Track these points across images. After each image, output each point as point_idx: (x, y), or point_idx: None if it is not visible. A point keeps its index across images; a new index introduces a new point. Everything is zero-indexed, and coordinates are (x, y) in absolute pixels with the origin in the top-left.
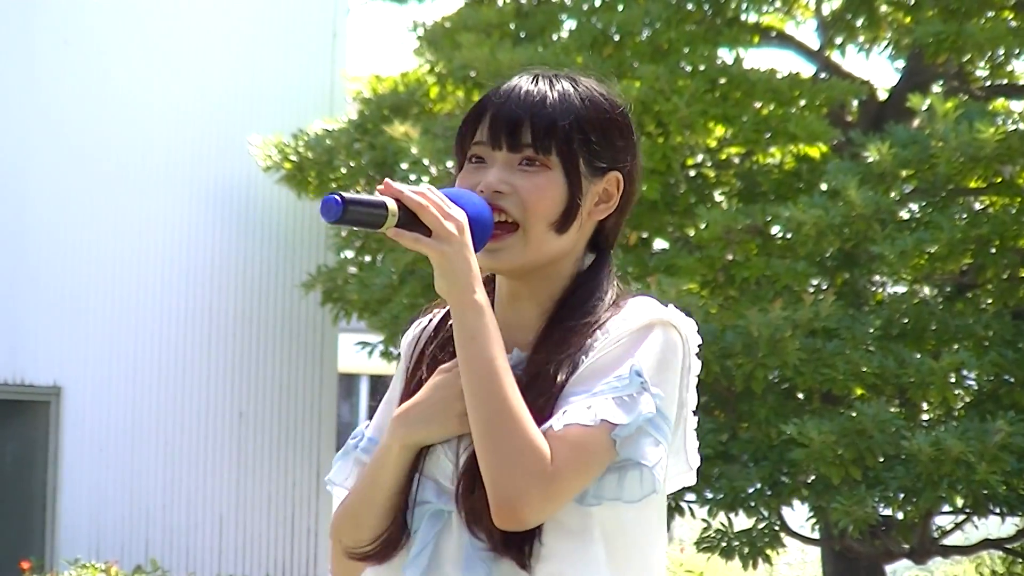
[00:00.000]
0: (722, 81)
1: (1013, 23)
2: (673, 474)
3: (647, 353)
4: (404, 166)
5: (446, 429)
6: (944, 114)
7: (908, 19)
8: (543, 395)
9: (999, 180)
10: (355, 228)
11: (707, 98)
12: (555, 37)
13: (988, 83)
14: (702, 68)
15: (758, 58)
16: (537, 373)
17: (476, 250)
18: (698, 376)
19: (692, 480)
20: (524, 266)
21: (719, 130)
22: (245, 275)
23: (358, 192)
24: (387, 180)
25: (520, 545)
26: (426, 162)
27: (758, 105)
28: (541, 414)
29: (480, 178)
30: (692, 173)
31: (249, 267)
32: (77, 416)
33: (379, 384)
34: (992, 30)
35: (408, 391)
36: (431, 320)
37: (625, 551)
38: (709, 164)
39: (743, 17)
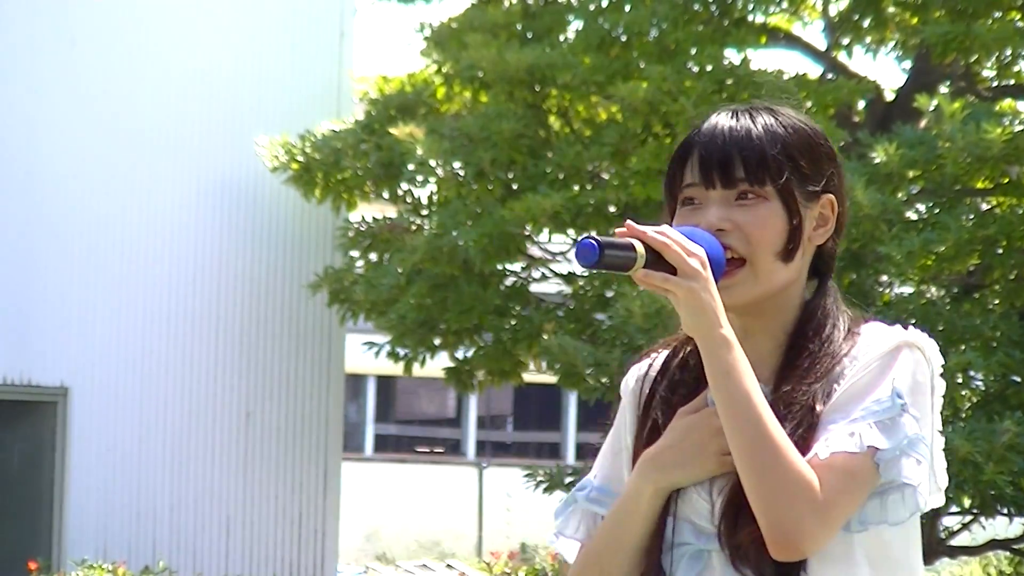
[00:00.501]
0: (729, 82)
1: (1020, 24)
2: (924, 492)
3: (901, 375)
4: (411, 167)
5: (703, 470)
6: (951, 115)
7: (915, 20)
8: (801, 425)
9: (1006, 180)
10: (606, 270)
11: (714, 99)
12: (562, 38)
13: (995, 83)
14: (709, 69)
15: (765, 59)
16: (791, 403)
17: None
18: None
19: (941, 501)
20: (756, 299)
21: None
22: (252, 276)
23: (608, 235)
24: (629, 222)
25: None
26: (432, 163)
27: None
28: (801, 444)
29: (698, 220)
30: None
31: (256, 268)
32: (84, 417)
33: (386, 384)
34: (999, 31)
35: (642, 436)
36: (651, 364)
37: (890, 571)
38: None
39: (750, 18)
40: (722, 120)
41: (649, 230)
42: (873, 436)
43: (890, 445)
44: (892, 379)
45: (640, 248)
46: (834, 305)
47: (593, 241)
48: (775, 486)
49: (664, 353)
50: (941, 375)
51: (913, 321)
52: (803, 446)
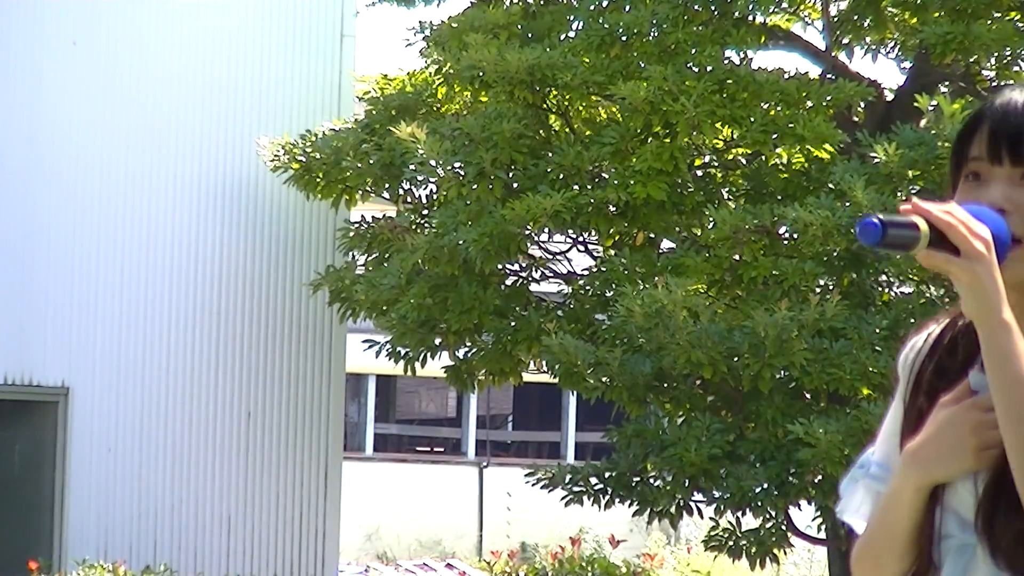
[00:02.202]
0: (729, 82)
1: (1020, 24)
2: None
3: None
4: (411, 167)
5: (963, 467)
6: (951, 115)
7: (915, 20)
8: None
9: None
10: (888, 250)
11: (714, 99)
12: (562, 38)
13: (995, 83)
14: (709, 69)
15: (765, 59)
16: None
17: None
18: (703, 376)
19: None
20: None
21: (726, 131)
22: (253, 275)
23: (892, 215)
24: (915, 200)
25: None
26: (433, 163)
27: (765, 106)
28: None
29: (980, 196)
30: (700, 173)
31: (257, 267)
32: (85, 416)
33: (386, 384)
34: (999, 31)
35: (909, 420)
36: (926, 340)
37: None
38: (716, 165)
39: (750, 18)
40: (1017, 95)
41: (935, 208)
42: None
43: None
44: None
45: (924, 227)
46: None
47: (877, 220)
48: None
49: (939, 327)
50: None
51: (912, 320)
52: None
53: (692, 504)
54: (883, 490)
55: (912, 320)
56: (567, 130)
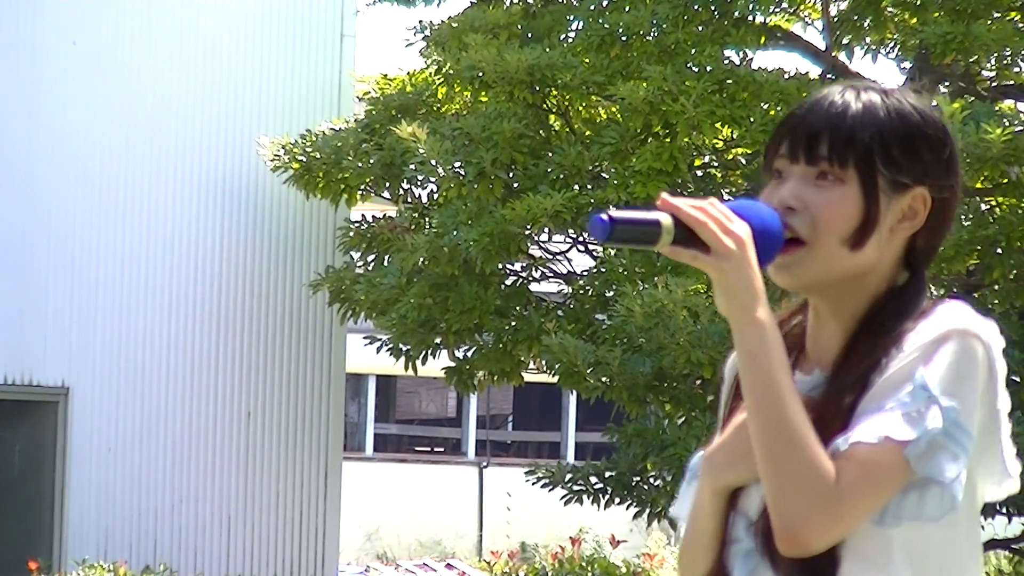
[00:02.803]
0: (729, 82)
1: (1020, 24)
2: (992, 483)
3: (939, 365)
4: (412, 167)
5: (751, 473)
6: (951, 115)
7: (915, 20)
8: (835, 417)
9: (1006, 181)
10: (624, 245)
11: (714, 99)
12: (562, 38)
13: (995, 84)
14: (709, 69)
15: (765, 59)
16: (831, 394)
17: (763, 264)
18: (703, 376)
19: (1015, 487)
20: (815, 282)
21: (726, 131)
22: (253, 275)
23: (632, 211)
24: (665, 195)
25: None
26: (433, 162)
27: (765, 106)
28: (833, 438)
29: (775, 193)
30: (700, 173)
31: (257, 267)
32: (85, 416)
33: (386, 384)
34: (999, 31)
35: (723, 420)
36: None
37: (935, 571)
38: (716, 164)
39: (750, 18)
40: (828, 95)
41: (685, 204)
42: (895, 427)
43: (911, 437)
44: (934, 370)
45: (668, 222)
46: (913, 299)
47: (606, 216)
48: (784, 476)
49: None
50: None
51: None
52: (834, 440)
53: None
54: None
55: None
56: (567, 130)
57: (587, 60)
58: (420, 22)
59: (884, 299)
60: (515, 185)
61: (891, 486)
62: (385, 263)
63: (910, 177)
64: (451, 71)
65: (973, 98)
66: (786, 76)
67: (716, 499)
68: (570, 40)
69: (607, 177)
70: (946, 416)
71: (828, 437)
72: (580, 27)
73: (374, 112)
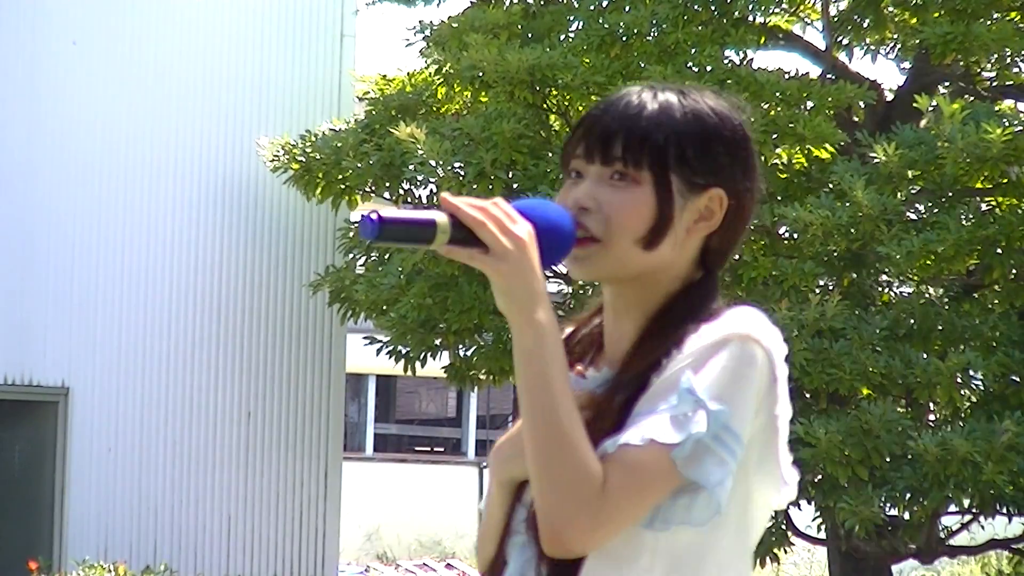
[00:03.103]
0: (729, 82)
1: (1020, 24)
2: (769, 490)
3: (713, 370)
4: (411, 167)
5: None
6: (951, 115)
7: (915, 20)
8: (609, 415)
9: (1006, 181)
10: (396, 244)
11: None
12: (562, 38)
13: (995, 84)
14: (709, 69)
15: (765, 59)
16: (608, 392)
17: (552, 262)
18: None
19: (792, 495)
20: (609, 277)
21: None
22: (253, 275)
23: (405, 205)
24: (445, 195)
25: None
26: (433, 163)
27: (765, 106)
28: (607, 436)
29: (570, 193)
30: None
31: (257, 267)
32: (85, 416)
33: (386, 384)
34: (999, 31)
35: (515, 416)
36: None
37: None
38: None
39: (750, 18)
40: (625, 95)
41: (466, 204)
42: (660, 430)
43: (676, 440)
44: (707, 373)
45: (444, 223)
46: (701, 299)
47: (373, 216)
48: (552, 476)
49: (573, 327)
50: (787, 361)
51: (912, 321)
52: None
53: None
54: None
55: (912, 320)
56: (567, 130)
57: (587, 60)
58: (420, 22)
59: (675, 298)
60: (515, 185)
61: (659, 489)
62: (385, 263)
63: (705, 178)
64: (451, 71)
65: (973, 98)
66: (786, 76)
67: (502, 490)
68: (570, 40)
69: None
70: (714, 420)
71: (602, 436)
72: (580, 27)
73: (374, 112)
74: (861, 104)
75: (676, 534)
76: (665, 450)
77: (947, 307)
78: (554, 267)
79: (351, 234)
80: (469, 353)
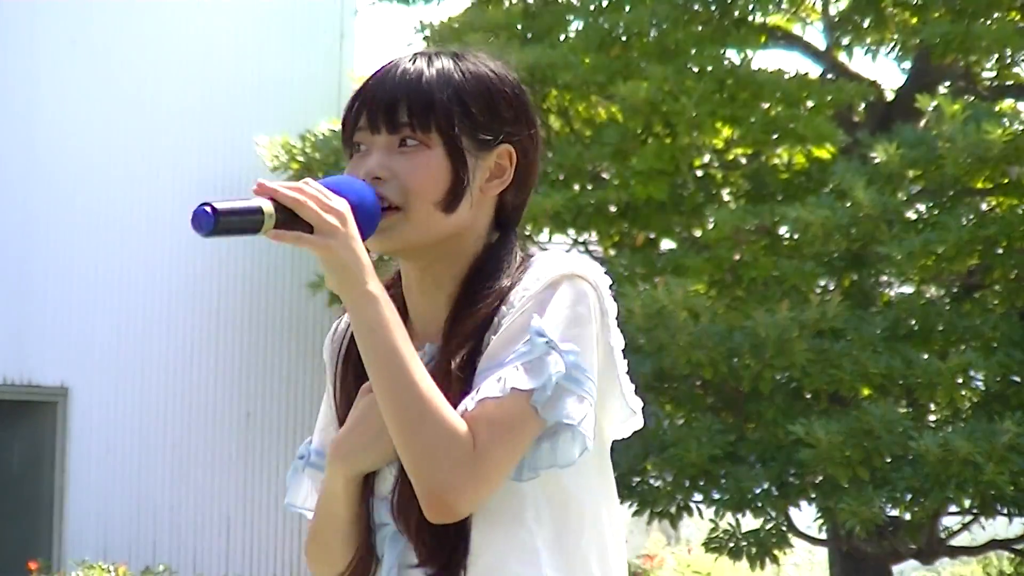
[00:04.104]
0: (729, 82)
1: (1020, 24)
2: (617, 421)
3: (554, 311)
4: None
5: (385, 454)
6: (951, 115)
7: (915, 20)
8: (455, 382)
9: (1006, 181)
10: (232, 235)
11: (715, 99)
12: (562, 38)
13: (995, 84)
14: (710, 69)
15: (765, 59)
16: (445, 361)
17: (366, 236)
18: (703, 376)
19: (639, 423)
20: (414, 246)
21: (727, 131)
22: (252, 276)
23: (235, 199)
24: (260, 180)
25: (447, 553)
26: None
27: (766, 106)
28: (459, 401)
29: (360, 166)
30: (700, 173)
31: (256, 267)
32: (84, 417)
33: None
34: (999, 31)
35: (342, 408)
36: (341, 323)
37: (577, 522)
38: (717, 164)
39: (750, 18)
40: (399, 63)
41: (282, 187)
42: (518, 378)
43: (535, 385)
44: (550, 316)
45: (269, 208)
46: (507, 256)
47: (208, 208)
48: (421, 443)
49: None
50: (613, 296)
51: (913, 321)
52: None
53: (692, 505)
54: (323, 477)
55: (912, 320)
56: (567, 130)
57: (587, 60)
58: (420, 22)
59: (481, 257)
60: None
61: (525, 436)
62: (384, 263)
63: (492, 135)
64: None
65: (973, 98)
66: (786, 76)
67: (351, 486)
68: (570, 40)
69: (607, 177)
70: (567, 361)
71: (454, 401)
72: (580, 27)
73: None
74: (861, 104)
75: (548, 480)
76: (525, 396)
77: (948, 307)
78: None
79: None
80: None
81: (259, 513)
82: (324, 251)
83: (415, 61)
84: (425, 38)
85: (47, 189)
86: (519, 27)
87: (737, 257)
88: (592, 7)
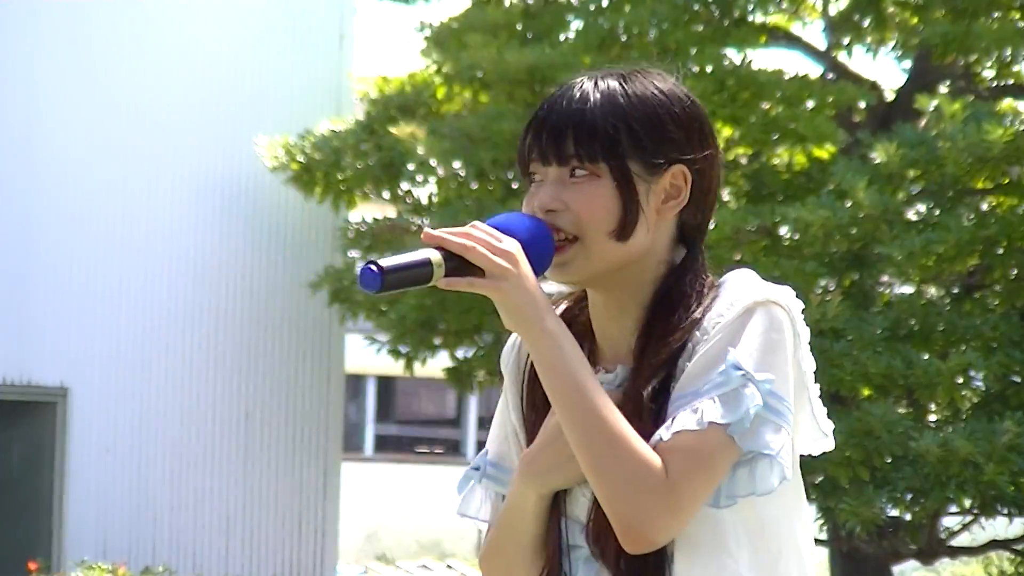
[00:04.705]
0: (730, 82)
1: (1020, 24)
2: (808, 441)
3: (749, 340)
4: (411, 167)
5: (579, 475)
6: (951, 115)
7: (915, 20)
8: (648, 407)
9: (1007, 181)
10: (402, 289)
11: (715, 99)
12: (562, 37)
13: (995, 84)
14: (710, 69)
15: (765, 59)
16: (639, 386)
17: (541, 271)
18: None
19: (831, 445)
20: (593, 276)
21: (727, 131)
22: (252, 275)
23: (400, 255)
24: (427, 230)
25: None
26: (433, 162)
27: (766, 106)
28: (651, 429)
29: (534, 199)
30: None
31: (256, 267)
32: (84, 417)
33: (386, 384)
34: (999, 30)
35: (525, 424)
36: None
37: (776, 544)
38: None
39: (750, 18)
40: (568, 89)
41: (449, 234)
42: (714, 411)
43: (732, 419)
44: (744, 346)
45: (437, 258)
46: (693, 276)
47: (374, 267)
48: (615, 476)
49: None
50: (805, 320)
51: (913, 321)
52: (653, 432)
53: None
54: (501, 491)
55: (913, 321)
56: None
57: (587, 60)
58: (420, 22)
59: (667, 281)
60: (515, 185)
61: (721, 467)
62: None
63: (663, 157)
64: (451, 71)
65: (973, 98)
66: (786, 76)
67: (542, 503)
68: (570, 40)
69: None
70: (762, 390)
71: (645, 428)
72: (580, 27)
73: (374, 112)
74: (861, 104)
75: (744, 506)
76: (722, 428)
77: (948, 307)
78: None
79: (350, 234)
80: (469, 356)
81: (259, 513)
82: (497, 294)
83: (583, 87)
84: (425, 38)
85: (46, 190)
86: (519, 27)
87: (737, 257)
88: (592, 7)
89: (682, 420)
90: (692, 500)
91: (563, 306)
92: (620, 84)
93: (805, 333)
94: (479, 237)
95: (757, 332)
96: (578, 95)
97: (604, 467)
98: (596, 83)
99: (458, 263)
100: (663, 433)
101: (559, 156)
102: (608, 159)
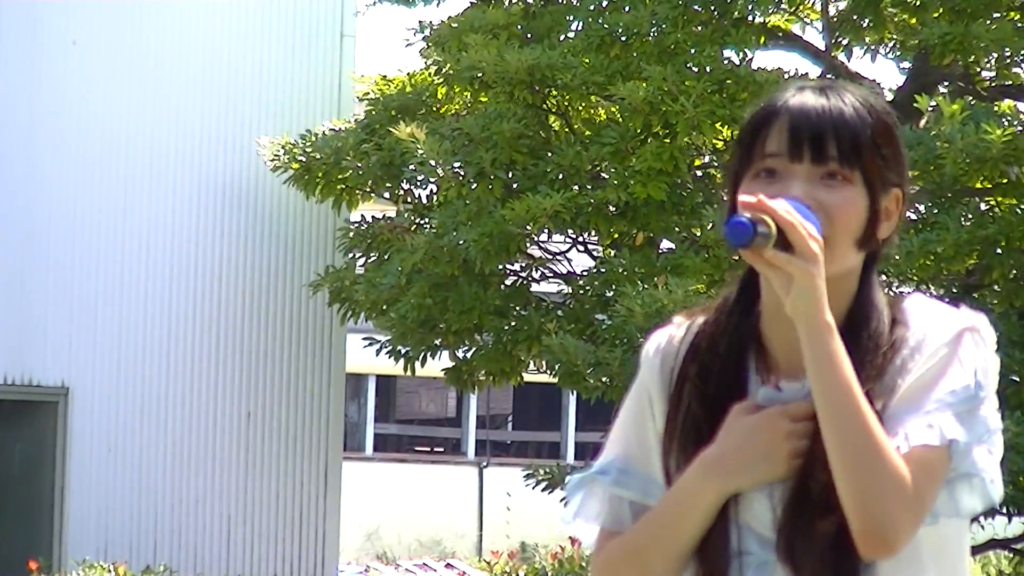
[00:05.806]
0: (729, 82)
1: (1020, 24)
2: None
3: (969, 363)
4: (411, 167)
5: (771, 474)
6: (950, 115)
7: (914, 20)
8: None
9: (1005, 181)
10: (744, 249)
11: (714, 99)
12: (562, 38)
13: (994, 84)
14: (709, 69)
15: (765, 59)
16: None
17: None
18: None
19: (1000, 491)
20: (827, 277)
21: (726, 131)
22: (253, 275)
23: (748, 213)
24: (761, 196)
25: None
26: (433, 163)
27: None
28: None
29: (775, 192)
30: (699, 174)
31: (257, 267)
32: (85, 416)
33: (386, 384)
34: (998, 31)
35: (676, 424)
36: (672, 337)
37: (950, 562)
38: (716, 165)
39: (750, 18)
40: (811, 94)
41: (777, 206)
42: (953, 428)
43: (969, 438)
44: (967, 368)
45: (773, 226)
46: (879, 296)
47: (746, 220)
48: (876, 481)
49: (687, 326)
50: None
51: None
52: None
53: None
54: (628, 496)
55: None
56: (567, 130)
57: (587, 60)
58: (420, 22)
59: (861, 299)
60: (515, 185)
61: (940, 484)
62: (385, 263)
63: (895, 175)
64: (451, 71)
65: (973, 98)
66: (786, 76)
67: (718, 505)
68: (570, 40)
69: (607, 177)
70: (991, 413)
71: None
72: (580, 27)
73: (374, 112)
74: None
75: (939, 527)
76: (947, 446)
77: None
78: None
79: (350, 234)
80: (469, 355)
81: (260, 513)
82: (806, 276)
83: (827, 95)
84: (425, 39)
85: (47, 189)
86: (519, 27)
87: (736, 257)
88: (592, 7)
89: (920, 434)
90: (925, 511)
91: (701, 318)
92: (860, 101)
93: (996, 366)
94: (795, 217)
95: (974, 357)
96: (828, 103)
97: (868, 472)
98: (840, 94)
99: (780, 238)
100: (900, 445)
101: (817, 156)
102: (864, 167)
